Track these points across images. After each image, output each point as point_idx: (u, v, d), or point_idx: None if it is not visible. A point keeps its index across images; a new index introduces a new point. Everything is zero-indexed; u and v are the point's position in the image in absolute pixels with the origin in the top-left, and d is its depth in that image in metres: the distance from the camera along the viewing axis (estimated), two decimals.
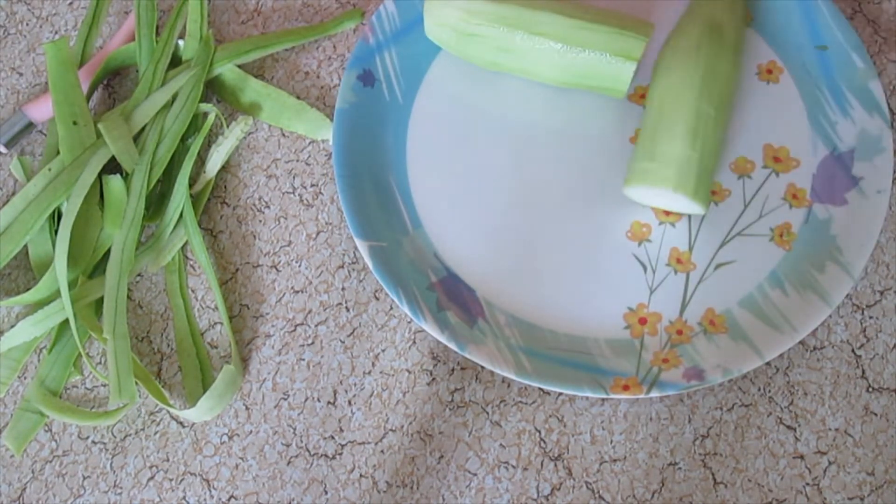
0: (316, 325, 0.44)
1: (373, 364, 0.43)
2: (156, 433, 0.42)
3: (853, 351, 0.42)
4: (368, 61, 0.46)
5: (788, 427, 0.41)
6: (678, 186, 0.40)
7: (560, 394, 0.42)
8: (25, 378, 0.44)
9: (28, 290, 0.44)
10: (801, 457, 0.40)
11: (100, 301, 0.44)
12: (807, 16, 0.45)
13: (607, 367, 0.40)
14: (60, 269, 0.41)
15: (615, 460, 0.41)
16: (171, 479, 0.42)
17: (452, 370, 0.42)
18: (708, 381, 0.39)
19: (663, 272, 0.43)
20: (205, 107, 0.46)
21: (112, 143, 0.43)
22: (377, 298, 0.44)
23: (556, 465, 0.41)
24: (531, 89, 0.46)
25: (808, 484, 0.40)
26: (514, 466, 0.41)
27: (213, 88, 0.48)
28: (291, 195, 0.46)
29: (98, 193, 0.44)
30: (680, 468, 0.41)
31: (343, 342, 0.43)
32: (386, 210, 0.44)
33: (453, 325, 0.41)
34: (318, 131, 0.47)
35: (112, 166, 0.46)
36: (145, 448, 0.42)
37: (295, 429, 0.42)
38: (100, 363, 0.44)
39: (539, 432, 0.41)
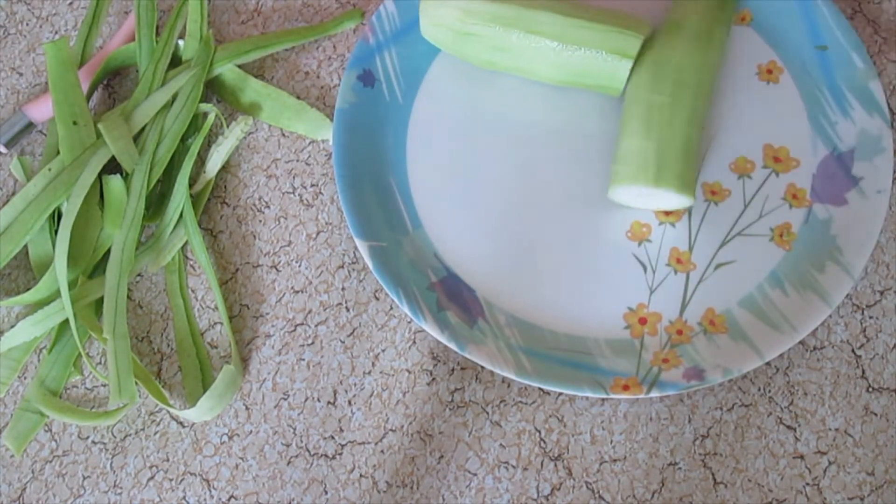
0: (316, 325, 0.44)
1: (373, 364, 0.43)
2: (156, 433, 0.42)
3: (853, 351, 0.42)
4: (368, 61, 0.46)
5: (788, 427, 0.41)
6: (637, 178, 0.40)
7: (560, 394, 0.42)
8: (25, 378, 0.44)
9: (28, 290, 0.44)
10: (801, 457, 0.40)
11: (100, 301, 0.44)
12: (807, 16, 0.45)
13: (607, 367, 0.40)
14: (60, 269, 0.41)
15: (615, 460, 0.41)
16: (171, 479, 0.42)
17: (452, 370, 0.42)
18: (708, 381, 0.39)
19: (663, 272, 0.43)
20: (205, 107, 0.46)
21: (112, 143, 0.43)
22: (377, 298, 0.44)
23: (556, 465, 0.41)
24: (531, 89, 0.46)
25: (808, 484, 0.40)
26: (514, 466, 0.41)
27: (213, 88, 0.48)
28: (291, 195, 0.46)
29: (98, 193, 0.44)
30: (680, 468, 0.41)
31: (343, 342, 0.43)
32: (386, 210, 0.44)
33: (453, 325, 0.41)
34: (318, 131, 0.47)
35: (112, 166, 0.46)
36: (145, 448, 0.42)
37: (295, 429, 0.42)
38: (100, 363, 0.44)
39: (539, 432, 0.41)
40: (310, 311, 0.44)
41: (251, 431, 0.42)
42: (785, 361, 0.42)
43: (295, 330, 0.44)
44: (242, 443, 0.42)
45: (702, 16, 0.43)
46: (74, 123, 0.45)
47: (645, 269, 0.43)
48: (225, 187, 0.46)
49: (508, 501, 0.40)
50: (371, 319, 0.43)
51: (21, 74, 0.50)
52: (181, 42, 0.48)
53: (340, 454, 0.42)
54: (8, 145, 0.47)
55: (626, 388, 0.39)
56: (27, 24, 0.51)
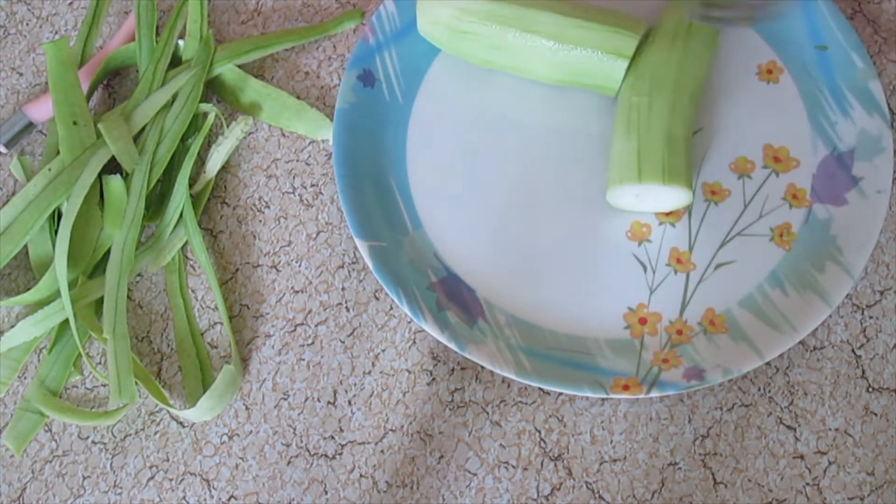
0: (316, 325, 0.44)
1: (373, 364, 0.43)
2: (156, 433, 0.42)
3: (853, 351, 0.42)
4: (368, 61, 0.46)
5: (788, 427, 0.41)
6: (623, 178, 0.40)
7: (560, 394, 0.42)
8: (25, 378, 0.44)
9: (28, 290, 0.44)
10: (801, 457, 0.40)
11: (100, 301, 0.44)
12: (807, 16, 0.45)
13: (607, 367, 0.40)
14: (60, 269, 0.41)
15: (615, 460, 0.41)
16: (171, 479, 0.42)
17: (452, 370, 0.42)
18: (708, 381, 0.39)
19: (663, 272, 0.43)
20: (205, 107, 0.46)
21: (112, 143, 0.43)
22: (377, 298, 0.44)
23: (556, 465, 0.41)
24: (531, 89, 0.46)
25: (808, 484, 0.40)
26: (514, 466, 0.41)
27: (213, 88, 0.48)
28: (291, 195, 0.46)
29: (98, 193, 0.44)
30: (680, 468, 0.41)
31: (343, 342, 0.43)
32: (386, 210, 0.44)
33: (453, 325, 0.41)
34: (318, 131, 0.47)
35: (112, 166, 0.46)
36: (145, 448, 0.42)
37: (295, 429, 0.42)
38: (100, 363, 0.44)
39: (539, 432, 0.41)
40: (310, 311, 0.44)
41: (251, 431, 0.42)
42: (785, 361, 0.42)
43: (295, 330, 0.44)
44: (242, 443, 0.42)
45: (680, 13, 0.44)
46: (74, 123, 0.45)
47: (645, 269, 0.43)
48: (225, 187, 0.46)
49: (508, 501, 0.40)
50: (371, 319, 0.43)
51: (21, 74, 0.50)
52: (181, 42, 0.48)
53: (340, 454, 0.42)
54: (8, 145, 0.47)
55: (626, 388, 0.39)
56: (27, 24, 0.51)
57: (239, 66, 0.48)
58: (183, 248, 0.45)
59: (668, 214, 0.43)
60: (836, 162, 0.44)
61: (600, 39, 0.42)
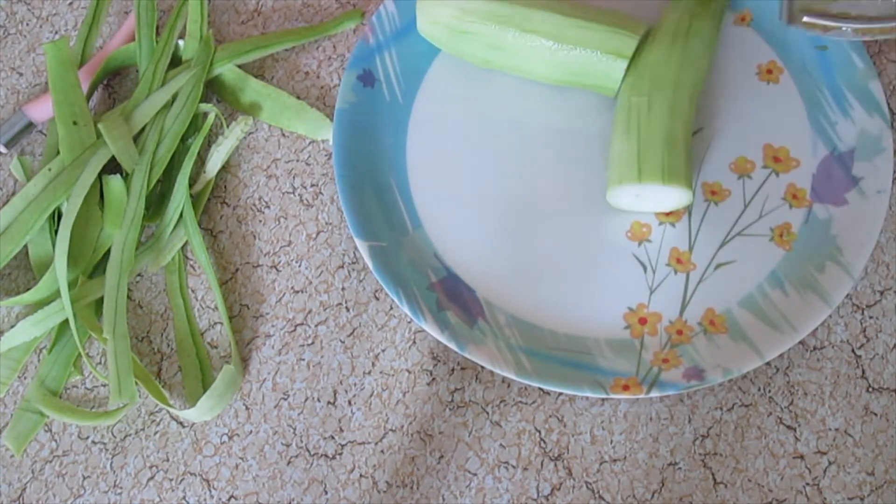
0: (316, 325, 0.44)
1: (373, 364, 0.43)
2: (156, 433, 0.42)
3: (853, 351, 0.42)
4: (368, 61, 0.46)
5: (788, 427, 0.41)
6: (622, 178, 0.40)
7: (560, 394, 0.42)
8: (25, 378, 0.44)
9: (28, 290, 0.44)
10: (801, 457, 0.40)
11: (100, 301, 0.44)
12: None
13: (607, 367, 0.40)
14: (60, 269, 0.41)
15: (615, 460, 0.41)
16: (171, 479, 0.42)
17: (452, 370, 0.42)
18: (708, 381, 0.39)
19: (663, 272, 0.43)
20: (205, 107, 0.46)
21: (112, 143, 0.43)
22: (377, 298, 0.44)
23: (556, 465, 0.41)
24: (532, 89, 0.46)
25: (808, 484, 0.40)
26: (514, 466, 0.41)
27: (213, 88, 0.48)
28: (291, 195, 0.46)
29: (98, 193, 0.44)
30: (680, 468, 0.41)
31: (343, 342, 0.43)
32: (386, 210, 0.44)
33: (453, 325, 0.41)
34: (318, 131, 0.47)
35: (112, 166, 0.46)
36: (145, 448, 0.42)
37: (295, 429, 0.42)
38: (100, 363, 0.44)
39: (539, 432, 0.41)
40: (310, 311, 0.44)
41: (251, 431, 0.42)
42: (785, 361, 0.42)
43: (295, 330, 0.44)
44: (242, 443, 0.42)
45: (680, 13, 0.44)
46: (74, 123, 0.45)
47: (645, 269, 0.43)
48: (225, 187, 0.46)
49: (508, 501, 0.40)
50: (371, 319, 0.43)
51: (21, 74, 0.50)
52: (181, 42, 0.48)
53: (340, 454, 0.42)
54: (8, 145, 0.47)
55: (626, 388, 0.39)
56: (27, 24, 0.51)
57: (239, 66, 0.48)
58: (183, 248, 0.45)
59: (668, 214, 0.43)
60: (836, 162, 0.44)
61: (600, 39, 0.42)
